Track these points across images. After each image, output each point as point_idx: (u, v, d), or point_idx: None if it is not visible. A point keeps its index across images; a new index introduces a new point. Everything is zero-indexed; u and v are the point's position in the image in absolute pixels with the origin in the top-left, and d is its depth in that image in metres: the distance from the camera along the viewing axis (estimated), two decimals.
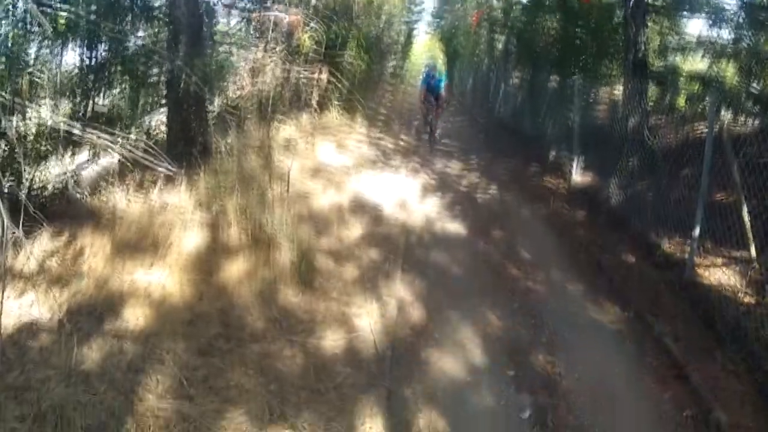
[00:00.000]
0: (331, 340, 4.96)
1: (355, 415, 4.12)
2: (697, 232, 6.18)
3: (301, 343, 4.78)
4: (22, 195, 4.83)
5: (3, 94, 4.91)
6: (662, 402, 4.59)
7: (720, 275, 6.20)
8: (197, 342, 4.49)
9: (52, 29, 5.35)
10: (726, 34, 11.36)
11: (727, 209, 6.08)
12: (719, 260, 6.46)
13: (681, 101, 11.15)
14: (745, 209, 5.96)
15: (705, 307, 5.72)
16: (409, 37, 30.66)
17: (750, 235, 6.00)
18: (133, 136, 7.15)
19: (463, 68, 33.49)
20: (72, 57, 6.94)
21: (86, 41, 6.60)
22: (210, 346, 4.50)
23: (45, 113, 5.53)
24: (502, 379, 4.84)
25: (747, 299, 5.72)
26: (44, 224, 5.15)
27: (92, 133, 5.65)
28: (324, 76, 9.34)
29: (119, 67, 6.67)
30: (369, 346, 5.01)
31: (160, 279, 5.05)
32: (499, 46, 21.13)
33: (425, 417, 4.31)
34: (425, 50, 49.66)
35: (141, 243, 5.41)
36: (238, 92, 9.59)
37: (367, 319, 5.40)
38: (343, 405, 4.19)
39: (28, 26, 5.75)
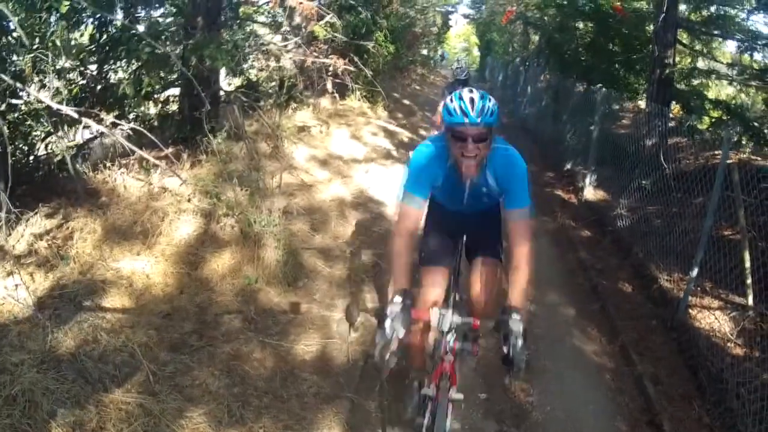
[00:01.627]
0: (304, 345, 4.97)
1: (313, 425, 4.14)
2: (695, 272, 5.97)
3: (274, 346, 4.80)
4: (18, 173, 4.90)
5: (3, 76, 4.92)
6: None
7: (713, 320, 6.05)
8: (171, 337, 4.54)
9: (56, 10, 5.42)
10: (755, 62, 11.20)
11: (733, 249, 5.95)
12: (715, 303, 6.31)
13: (703, 126, 10.96)
14: (746, 254, 5.82)
15: (692, 352, 5.62)
16: (445, 24, 30.50)
17: (750, 281, 5.85)
18: (141, 114, 7.20)
19: (495, 62, 33.28)
20: (84, 34, 7.00)
21: (96, 19, 6.63)
22: (182, 342, 4.55)
23: (44, 96, 5.51)
24: (472, 402, 4.79)
25: (736, 350, 5.59)
26: (40, 204, 5.26)
27: (96, 114, 5.68)
28: (340, 63, 9.24)
29: (131, 45, 6.65)
30: (342, 354, 5.01)
31: (145, 268, 5.10)
32: (531, 45, 20.94)
33: None
34: (461, 39, 49.62)
35: (132, 229, 5.46)
36: (254, 76, 9.58)
37: (346, 325, 5.35)
38: (303, 413, 4.21)
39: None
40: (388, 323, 2.86)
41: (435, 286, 3.79)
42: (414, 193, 3.35)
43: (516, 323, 2.85)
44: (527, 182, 3.45)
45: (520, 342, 2.78)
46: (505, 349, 2.83)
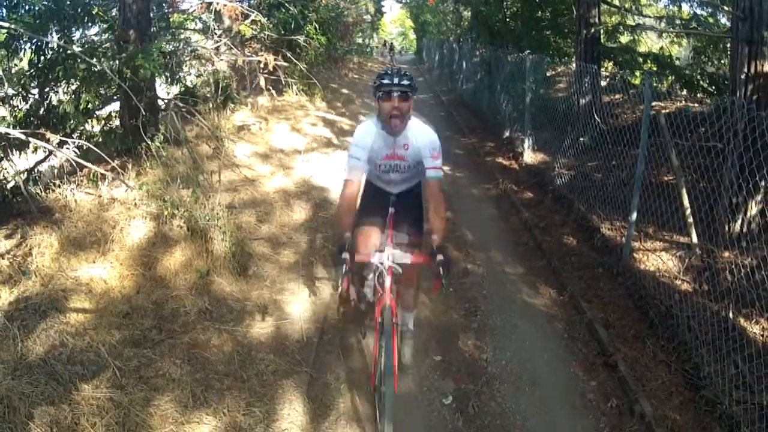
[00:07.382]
0: (259, 328, 5.16)
1: (275, 400, 4.32)
2: (633, 216, 6.18)
3: (230, 332, 4.96)
4: None
5: None
6: (588, 390, 4.74)
7: (658, 261, 6.29)
8: (132, 334, 4.67)
9: None
10: (684, 13, 11.51)
11: (671, 192, 6.19)
12: (659, 245, 6.57)
13: (636, 81, 11.22)
14: (683, 194, 6.04)
15: (640, 294, 5.83)
16: (378, 12, 30.53)
17: (691, 220, 6.08)
18: (85, 132, 7.26)
19: (431, 43, 33.40)
20: (23, 60, 7.04)
21: (33, 44, 6.69)
22: (143, 337, 4.69)
23: None
24: (428, 365, 5.03)
25: (684, 286, 5.80)
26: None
27: (42, 135, 5.79)
28: (270, 59, 9.35)
29: (67, 65, 6.71)
30: (296, 333, 5.20)
31: (102, 274, 5.19)
32: (464, 22, 21.09)
33: (345, 401, 4.54)
34: (397, 24, 49.50)
35: (86, 239, 5.54)
36: (191, 82, 9.63)
37: (298, 306, 5.59)
38: (264, 391, 4.40)
39: None
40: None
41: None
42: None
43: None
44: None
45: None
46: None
